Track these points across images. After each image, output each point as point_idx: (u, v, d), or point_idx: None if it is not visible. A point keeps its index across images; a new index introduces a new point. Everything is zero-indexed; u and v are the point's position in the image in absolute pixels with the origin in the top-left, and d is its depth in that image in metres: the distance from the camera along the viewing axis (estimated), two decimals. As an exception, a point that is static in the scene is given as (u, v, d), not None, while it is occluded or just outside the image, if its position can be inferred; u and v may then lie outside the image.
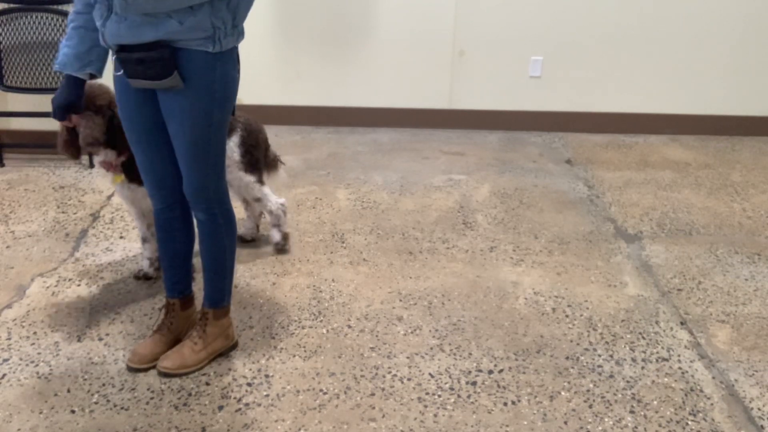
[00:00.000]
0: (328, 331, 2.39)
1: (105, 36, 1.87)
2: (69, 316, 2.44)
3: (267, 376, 2.15)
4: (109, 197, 3.46)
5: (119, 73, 1.93)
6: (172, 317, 2.24)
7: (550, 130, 4.63)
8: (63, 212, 3.27)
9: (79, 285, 2.65)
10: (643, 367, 2.23)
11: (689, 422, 2.00)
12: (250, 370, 2.18)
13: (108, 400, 2.04)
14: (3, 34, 3.74)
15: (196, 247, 2.20)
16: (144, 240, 2.68)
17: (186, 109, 1.89)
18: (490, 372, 2.20)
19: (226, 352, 2.25)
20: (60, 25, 3.72)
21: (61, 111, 2.08)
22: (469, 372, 2.19)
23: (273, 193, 2.85)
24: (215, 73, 1.87)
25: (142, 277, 2.70)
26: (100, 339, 2.33)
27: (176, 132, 1.93)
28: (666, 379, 2.18)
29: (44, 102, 3.84)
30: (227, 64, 1.90)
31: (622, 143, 4.42)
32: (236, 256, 2.87)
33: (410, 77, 4.57)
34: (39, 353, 2.24)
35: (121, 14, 1.79)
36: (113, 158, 2.42)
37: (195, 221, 2.12)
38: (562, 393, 2.11)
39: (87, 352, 2.25)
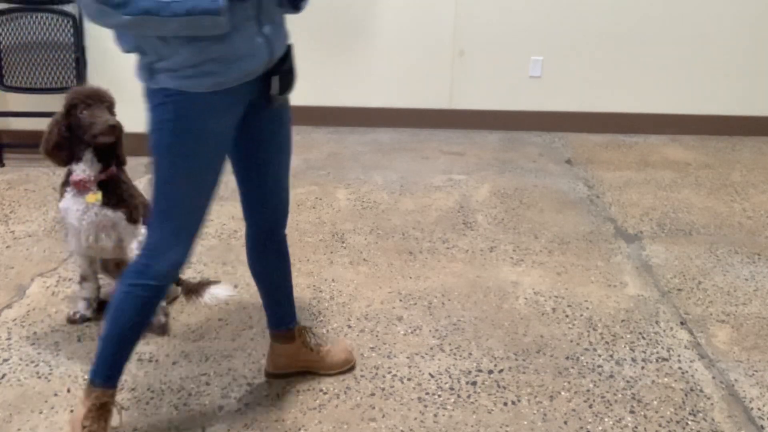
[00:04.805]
0: (328, 331, 2.39)
1: (272, 46, 1.60)
2: (69, 316, 2.44)
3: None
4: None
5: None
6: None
7: (550, 130, 4.63)
8: (63, 212, 3.27)
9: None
10: (643, 367, 2.23)
11: (689, 422, 2.00)
12: (250, 370, 2.18)
13: (108, 400, 2.03)
14: (3, 34, 3.74)
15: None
16: (84, 279, 2.39)
17: (289, 123, 1.81)
18: (490, 372, 2.20)
19: None
20: (60, 25, 3.72)
21: None
22: (469, 372, 2.19)
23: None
24: None
25: (78, 320, 2.39)
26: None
27: (284, 149, 1.83)
28: (666, 379, 2.18)
29: (44, 102, 3.83)
30: None
31: (622, 143, 4.42)
32: (236, 255, 2.88)
33: (410, 77, 4.57)
34: (39, 353, 2.24)
35: (268, 17, 1.59)
36: (95, 172, 2.20)
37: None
38: (562, 393, 2.11)
39: (87, 352, 2.25)
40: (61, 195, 2.26)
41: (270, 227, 1.93)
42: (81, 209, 2.22)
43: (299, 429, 1.94)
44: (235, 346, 2.30)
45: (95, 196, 2.20)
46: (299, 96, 5.18)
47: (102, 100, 2.16)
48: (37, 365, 2.19)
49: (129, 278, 1.70)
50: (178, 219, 1.66)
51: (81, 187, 2.20)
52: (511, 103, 4.61)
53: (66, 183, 2.25)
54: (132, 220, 2.28)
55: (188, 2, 1.40)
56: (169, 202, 1.64)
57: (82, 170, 2.19)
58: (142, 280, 1.68)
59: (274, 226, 1.93)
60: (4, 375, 2.14)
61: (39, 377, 2.13)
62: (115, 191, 2.24)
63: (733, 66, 4.48)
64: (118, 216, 2.25)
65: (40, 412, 1.98)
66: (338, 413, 2.00)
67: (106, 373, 1.75)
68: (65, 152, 2.17)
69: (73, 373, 2.15)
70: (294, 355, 2.10)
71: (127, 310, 1.70)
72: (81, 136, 2.15)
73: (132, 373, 2.15)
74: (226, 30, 1.46)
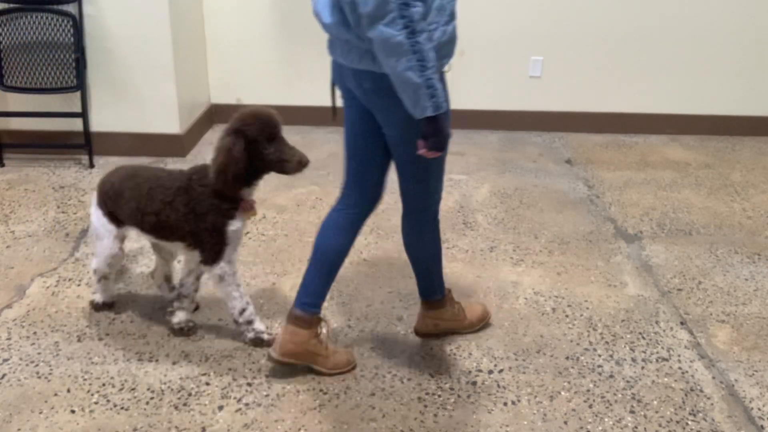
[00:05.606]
0: (328, 330, 2.39)
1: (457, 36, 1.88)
2: (69, 316, 2.44)
3: (267, 376, 2.15)
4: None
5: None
6: None
7: (550, 130, 4.63)
8: (63, 212, 3.27)
9: (79, 285, 2.65)
10: (643, 367, 2.23)
11: (689, 422, 2.00)
12: (250, 370, 2.18)
13: (108, 400, 2.04)
14: (3, 34, 3.74)
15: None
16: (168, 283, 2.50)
17: None
18: (490, 372, 2.20)
19: None
20: (60, 25, 3.72)
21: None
22: (469, 372, 2.19)
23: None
24: None
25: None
26: (100, 339, 2.33)
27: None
28: (666, 379, 2.18)
29: (44, 102, 3.84)
30: None
31: (622, 143, 4.42)
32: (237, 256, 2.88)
33: (410, 77, 4.57)
34: (39, 353, 2.24)
35: None
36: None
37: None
38: (562, 393, 2.11)
39: (87, 352, 2.25)
40: (231, 217, 2.19)
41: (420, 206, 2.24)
42: (243, 228, 2.26)
43: (299, 429, 1.94)
44: (235, 346, 2.30)
45: (253, 213, 2.27)
46: (300, 96, 5.18)
47: (280, 129, 2.17)
48: (37, 365, 2.19)
49: (431, 223, 2.28)
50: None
51: (249, 209, 2.23)
52: (511, 103, 4.60)
53: (235, 206, 2.19)
54: None
55: (425, 95, 1.69)
56: (442, 162, 2.07)
57: (250, 193, 2.21)
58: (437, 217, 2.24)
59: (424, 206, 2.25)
60: (4, 375, 2.14)
61: (39, 377, 2.13)
62: None
63: (733, 66, 4.48)
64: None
65: (40, 412, 1.98)
66: (338, 413, 2.00)
67: (441, 285, 2.31)
68: (241, 181, 2.11)
69: (73, 373, 2.15)
70: (303, 343, 2.11)
71: (437, 238, 2.28)
72: (263, 167, 2.14)
73: (132, 373, 2.16)
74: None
